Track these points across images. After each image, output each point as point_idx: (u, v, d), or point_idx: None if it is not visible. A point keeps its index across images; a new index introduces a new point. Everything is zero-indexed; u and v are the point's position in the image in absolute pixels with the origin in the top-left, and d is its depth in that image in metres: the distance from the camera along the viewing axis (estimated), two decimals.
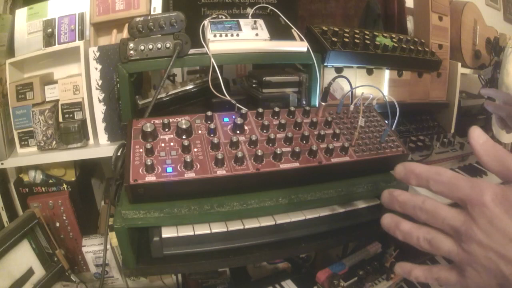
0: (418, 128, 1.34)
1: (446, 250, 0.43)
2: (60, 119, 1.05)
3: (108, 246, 1.05)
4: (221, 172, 0.72)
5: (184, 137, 0.79)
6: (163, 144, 0.77)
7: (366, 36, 1.16)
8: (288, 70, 1.14)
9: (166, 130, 0.81)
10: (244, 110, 0.87)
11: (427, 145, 1.20)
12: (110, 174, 1.40)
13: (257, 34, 0.93)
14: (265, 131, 0.83)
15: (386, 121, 0.88)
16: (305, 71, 1.04)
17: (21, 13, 1.07)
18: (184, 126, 0.79)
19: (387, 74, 1.22)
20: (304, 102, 1.08)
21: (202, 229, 0.74)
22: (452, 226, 0.42)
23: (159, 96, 0.97)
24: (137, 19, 0.87)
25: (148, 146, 0.74)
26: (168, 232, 0.73)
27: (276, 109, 0.87)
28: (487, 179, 1.11)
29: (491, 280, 0.38)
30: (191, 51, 0.91)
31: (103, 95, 1.05)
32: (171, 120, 0.82)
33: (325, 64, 1.07)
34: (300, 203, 0.79)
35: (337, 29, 1.13)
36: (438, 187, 0.43)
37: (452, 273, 0.44)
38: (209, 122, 0.84)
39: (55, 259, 1.02)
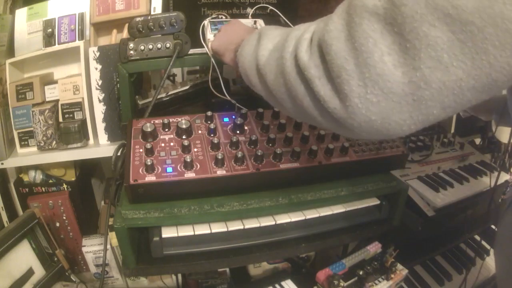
0: None
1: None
2: (60, 119, 1.05)
3: (108, 246, 1.05)
4: (221, 172, 0.73)
5: (184, 137, 0.79)
6: (163, 144, 0.77)
7: None
8: None
9: (166, 130, 0.81)
10: (244, 110, 0.87)
11: (427, 145, 1.20)
12: (110, 174, 1.40)
13: None
14: (265, 131, 0.83)
15: None
16: None
17: (21, 13, 1.07)
18: (184, 126, 0.79)
19: None
20: None
21: (202, 229, 0.74)
22: None
23: (159, 96, 0.97)
24: (137, 19, 0.87)
25: (148, 146, 0.74)
26: (168, 232, 0.73)
27: (276, 109, 0.88)
28: (487, 179, 1.11)
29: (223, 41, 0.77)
30: (191, 51, 0.91)
31: (103, 95, 1.05)
32: (171, 120, 0.82)
33: None
34: (300, 203, 0.79)
35: None
36: None
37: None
38: (209, 122, 0.84)
39: (55, 259, 1.02)
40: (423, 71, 0.33)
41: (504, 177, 1.12)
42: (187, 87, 1.03)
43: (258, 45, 0.56)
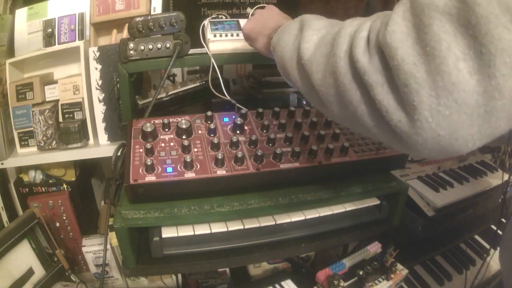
0: None
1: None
2: (60, 119, 1.05)
3: (108, 246, 1.05)
4: (221, 172, 0.73)
5: (184, 137, 0.79)
6: (163, 144, 0.77)
7: None
8: None
9: (166, 130, 0.81)
10: (244, 110, 0.87)
11: None
12: (110, 174, 1.40)
13: None
14: (265, 131, 0.83)
15: None
16: None
17: (21, 13, 1.07)
18: (184, 126, 0.79)
19: None
20: (304, 102, 1.08)
21: (202, 229, 0.74)
22: None
23: (159, 96, 0.97)
24: (137, 19, 0.87)
25: (148, 146, 0.74)
26: (168, 232, 0.73)
27: (276, 109, 0.88)
28: (488, 179, 1.11)
29: (256, 25, 0.74)
30: (191, 51, 0.91)
31: (103, 95, 1.05)
32: (171, 120, 0.82)
33: None
34: (300, 203, 0.79)
35: None
36: None
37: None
38: (209, 122, 0.84)
39: (55, 259, 1.02)
40: (498, 79, 0.30)
41: (505, 176, 1.12)
42: (187, 87, 1.03)
43: (300, 35, 0.51)
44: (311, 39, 0.49)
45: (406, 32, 0.34)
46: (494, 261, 1.08)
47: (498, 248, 0.75)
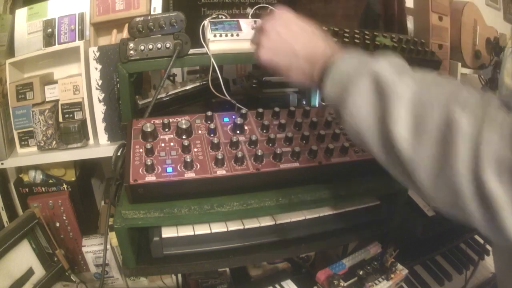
0: None
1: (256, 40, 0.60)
2: (60, 119, 1.05)
3: (108, 246, 1.05)
4: (221, 172, 0.72)
5: (184, 137, 0.79)
6: (163, 144, 0.77)
7: (366, 36, 1.16)
8: None
9: (166, 130, 0.81)
10: (244, 110, 0.87)
11: None
12: (110, 174, 1.40)
13: None
14: (265, 131, 0.83)
15: None
16: None
17: (21, 13, 1.07)
18: (184, 126, 0.79)
19: None
20: (304, 102, 1.08)
21: (202, 229, 0.74)
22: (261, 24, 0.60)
23: (159, 96, 0.97)
24: (137, 19, 0.87)
25: (148, 146, 0.74)
26: (168, 232, 0.73)
27: (276, 109, 0.87)
28: None
29: (281, 52, 0.57)
30: (191, 51, 0.91)
31: (103, 95, 1.05)
32: (171, 120, 0.82)
33: None
34: (300, 203, 0.79)
35: (337, 29, 1.13)
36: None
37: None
38: (209, 122, 0.84)
39: (55, 259, 1.02)
40: None
41: None
42: (187, 87, 1.03)
43: (384, 109, 0.43)
44: (402, 119, 0.41)
45: None
46: (494, 261, 1.08)
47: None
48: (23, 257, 0.96)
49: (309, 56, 0.53)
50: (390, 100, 0.42)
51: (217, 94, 0.92)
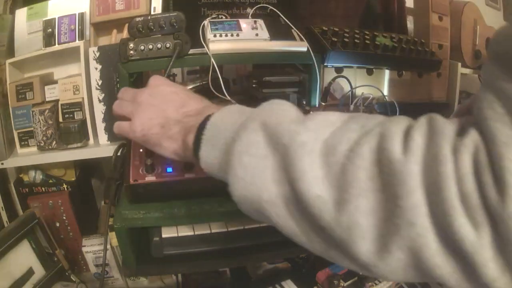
0: None
1: (126, 112, 0.53)
2: (60, 119, 1.05)
3: (108, 246, 1.05)
4: None
5: None
6: None
7: (366, 36, 1.16)
8: (288, 70, 1.14)
9: None
10: None
11: None
12: (110, 174, 1.40)
13: (257, 34, 0.93)
14: None
15: None
16: (305, 71, 1.04)
17: (21, 13, 1.07)
18: None
19: (387, 74, 1.22)
20: (304, 102, 1.08)
21: (202, 229, 0.74)
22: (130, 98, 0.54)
23: None
24: (137, 19, 0.87)
25: None
26: (168, 232, 0.73)
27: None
28: None
29: (153, 120, 0.48)
30: (191, 51, 0.91)
31: (103, 95, 1.05)
32: None
33: (325, 64, 1.07)
34: None
35: (337, 29, 1.13)
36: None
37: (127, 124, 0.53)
38: None
39: (55, 259, 1.02)
40: None
41: None
42: (187, 87, 1.03)
43: (284, 163, 0.33)
44: (314, 173, 0.31)
45: None
46: None
47: None
48: (23, 257, 0.96)
49: (182, 119, 0.45)
50: (288, 152, 0.32)
51: (217, 94, 0.92)
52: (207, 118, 0.41)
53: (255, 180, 0.35)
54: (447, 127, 0.31)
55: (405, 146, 0.29)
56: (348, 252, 0.31)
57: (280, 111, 0.37)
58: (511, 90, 0.26)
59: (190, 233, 0.74)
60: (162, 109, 0.48)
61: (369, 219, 0.29)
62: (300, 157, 0.31)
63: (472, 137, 0.28)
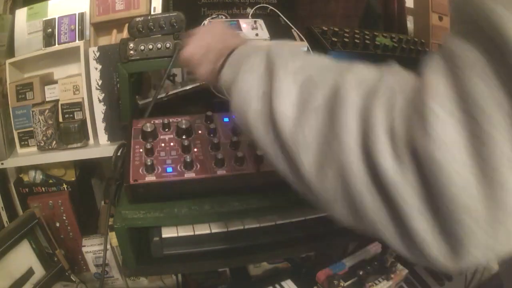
0: None
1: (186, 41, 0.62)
2: (60, 119, 1.05)
3: (108, 246, 1.05)
4: (221, 172, 0.72)
5: (184, 137, 0.79)
6: (163, 144, 0.77)
7: (366, 36, 1.16)
8: None
9: (166, 130, 0.81)
10: None
11: None
12: (110, 174, 1.40)
13: (257, 34, 0.93)
14: None
15: None
16: None
17: (21, 13, 1.07)
18: (184, 126, 0.79)
19: None
20: None
21: (202, 229, 0.74)
22: None
23: (159, 96, 0.97)
24: (137, 19, 0.87)
25: (148, 146, 0.74)
26: (168, 232, 0.73)
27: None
28: None
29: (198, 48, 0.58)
30: None
31: (103, 95, 1.05)
32: (171, 120, 0.82)
33: None
34: (300, 204, 0.78)
35: (337, 29, 1.13)
36: None
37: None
38: (209, 122, 0.84)
39: (55, 259, 1.02)
40: None
41: None
42: (187, 87, 1.03)
43: (270, 83, 0.38)
44: (288, 94, 0.36)
45: (457, 142, 0.23)
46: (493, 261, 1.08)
47: None
48: (23, 257, 0.96)
49: (220, 49, 0.54)
50: (276, 74, 0.38)
51: (217, 94, 0.92)
52: (235, 49, 0.51)
53: (246, 95, 0.42)
54: (402, 73, 0.36)
55: (357, 85, 0.33)
56: (295, 165, 0.35)
57: (287, 46, 0.46)
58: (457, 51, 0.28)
59: (190, 233, 0.74)
60: (207, 40, 0.59)
61: (314, 135, 0.33)
62: (281, 81, 0.37)
63: (412, 81, 0.32)
